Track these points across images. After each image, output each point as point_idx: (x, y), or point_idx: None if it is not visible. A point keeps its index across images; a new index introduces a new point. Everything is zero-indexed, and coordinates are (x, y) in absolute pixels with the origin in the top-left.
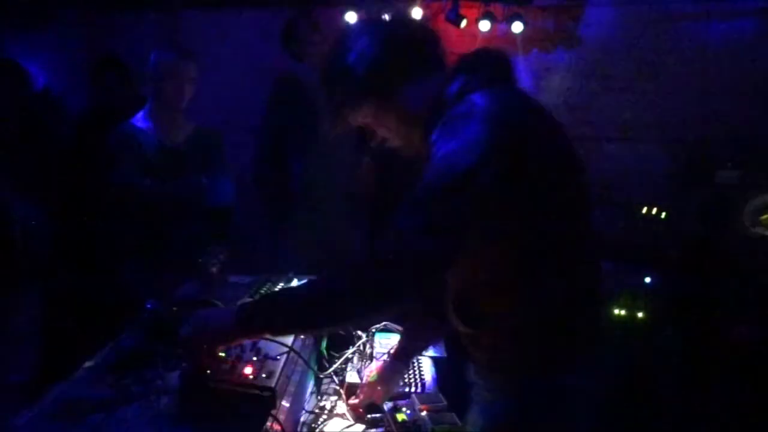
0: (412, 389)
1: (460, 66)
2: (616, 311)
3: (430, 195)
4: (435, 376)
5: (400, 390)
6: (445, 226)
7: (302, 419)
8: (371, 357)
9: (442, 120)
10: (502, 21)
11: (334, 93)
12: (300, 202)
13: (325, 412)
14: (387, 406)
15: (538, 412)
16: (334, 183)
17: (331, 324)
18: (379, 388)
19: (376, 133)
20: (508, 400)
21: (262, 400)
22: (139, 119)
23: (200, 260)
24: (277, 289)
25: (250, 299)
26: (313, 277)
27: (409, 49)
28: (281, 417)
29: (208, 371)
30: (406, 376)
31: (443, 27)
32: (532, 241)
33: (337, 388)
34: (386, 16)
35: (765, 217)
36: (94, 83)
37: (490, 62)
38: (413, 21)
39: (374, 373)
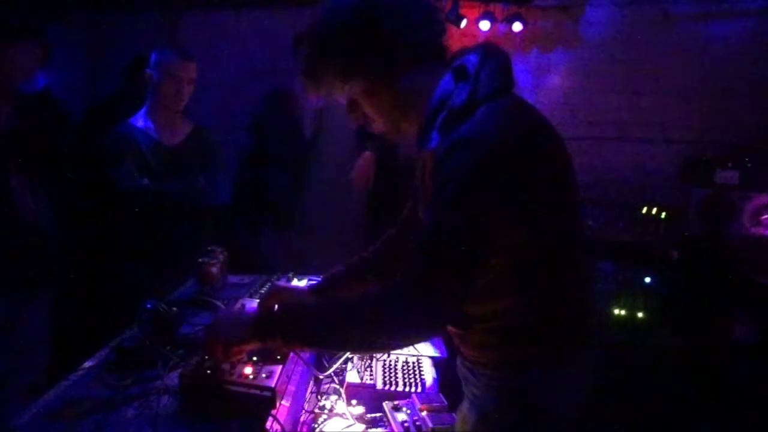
0: (412, 389)
1: (466, 67)
2: (616, 311)
3: (448, 228)
4: (435, 376)
5: (400, 390)
6: (468, 257)
7: (302, 419)
8: (371, 357)
9: (445, 128)
10: (502, 21)
11: (326, 61)
12: (296, 201)
13: (325, 412)
14: (387, 406)
15: (525, 409)
16: (333, 181)
17: (350, 350)
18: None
19: (361, 112)
20: (495, 397)
21: (262, 400)
22: (138, 119)
23: (200, 260)
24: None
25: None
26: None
27: (416, 28)
28: (281, 417)
29: (209, 371)
30: (406, 376)
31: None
32: (524, 249)
33: (337, 387)
34: None
35: (765, 217)
36: (129, 81)
37: (496, 67)
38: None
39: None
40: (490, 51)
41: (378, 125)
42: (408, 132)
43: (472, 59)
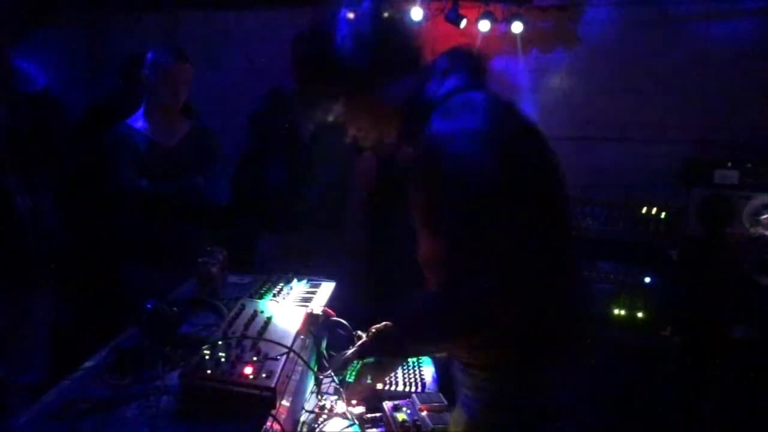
0: (412, 389)
1: (445, 66)
2: (616, 311)
3: (470, 211)
4: (435, 376)
5: (400, 390)
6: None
7: (302, 419)
8: None
9: (422, 123)
10: (502, 21)
11: (310, 88)
12: (295, 202)
13: (325, 412)
14: (387, 406)
15: (514, 410)
16: (333, 181)
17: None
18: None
19: (356, 131)
20: (484, 398)
21: (262, 400)
22: (136, 120)
23: (200, 260)
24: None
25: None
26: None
27: (387, 42)
28: (281, 417)
29: (208, 371)
30: (406, 376)
31: (443, 27)
32: (514, 250)
33: (338, 387)
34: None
35: (765, 216)
36: (126, 81)
37: (473, 65)
38: (389, 13)
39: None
40: (461, 51)
41: (368, 138)
42: (396, 137)
43: (444, 58)
